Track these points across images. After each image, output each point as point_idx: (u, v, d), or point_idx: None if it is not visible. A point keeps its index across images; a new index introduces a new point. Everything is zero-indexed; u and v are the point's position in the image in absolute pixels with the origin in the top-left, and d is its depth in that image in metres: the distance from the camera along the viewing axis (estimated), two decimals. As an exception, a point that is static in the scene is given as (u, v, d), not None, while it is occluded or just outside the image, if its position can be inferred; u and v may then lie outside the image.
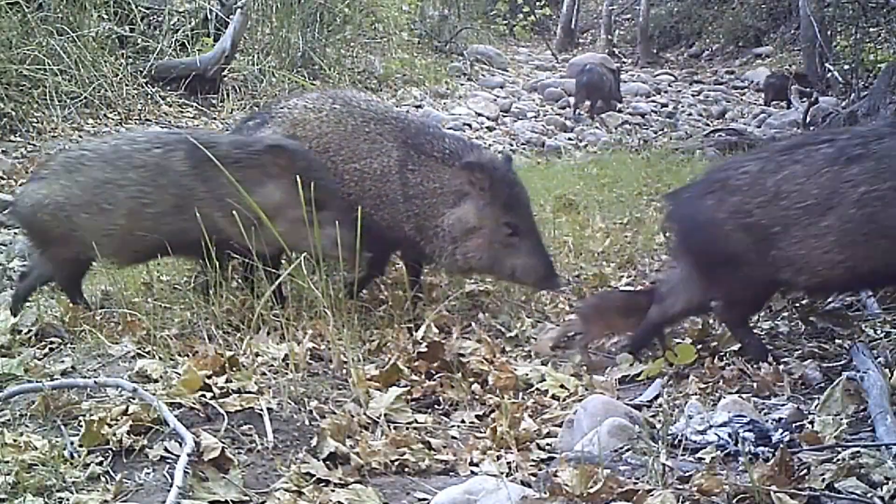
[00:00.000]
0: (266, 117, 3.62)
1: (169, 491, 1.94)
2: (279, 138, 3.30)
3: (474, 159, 3.28)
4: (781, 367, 2.72)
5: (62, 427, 2.26)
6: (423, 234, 3.34)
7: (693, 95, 13.83)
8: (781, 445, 2.07)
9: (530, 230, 3.32)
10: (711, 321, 3.19)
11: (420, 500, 2.12)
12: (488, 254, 3.27)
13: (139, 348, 2.79)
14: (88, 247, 3.16)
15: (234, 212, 3.01)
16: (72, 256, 3.27)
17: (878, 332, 2.94)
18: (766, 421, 2.31)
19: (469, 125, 10.09)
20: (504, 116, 11.16)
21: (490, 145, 9.27)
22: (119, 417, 2.25)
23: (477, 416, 2.65)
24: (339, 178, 3.37)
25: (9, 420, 2.31)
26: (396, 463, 2.26)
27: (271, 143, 3.20)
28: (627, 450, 2.23)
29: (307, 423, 2.38)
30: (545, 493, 1.98)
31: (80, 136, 6.98)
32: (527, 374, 2.89)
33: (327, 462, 2.19)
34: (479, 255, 3.27)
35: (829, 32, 12.55)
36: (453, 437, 2.50)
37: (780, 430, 2.21)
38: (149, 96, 8.10)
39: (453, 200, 3.29)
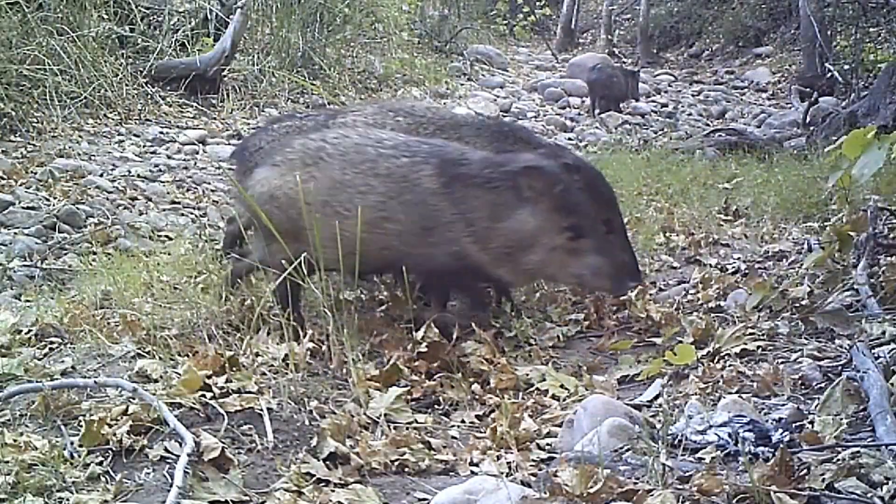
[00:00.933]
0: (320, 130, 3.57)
1: (169, 491, 1.94)
2: (535, 158, 3.08)
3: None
4: (781, 367, 2.72)
5: (62, 427, 2.26)
6: None
7: (693, 95, 13.82)
8: (781, 445, 2.07)
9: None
10: (713, 321, 3.20)
11: (420, 500, 2.12)
12: None
13: (139, 348, 2.79)
14: (314, 248, 2.91)
15: (485, 239, 2.82)
16: (294, 255, 2.89)
17: (878, 331, 2.93)
18: (766, 421, 2.31)
19: (469, 125, 10.08)
20: (504, 116, 11.16)
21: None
22: (119, 417, 2.25)
23: (477, 416, 2.65)
24: None
25: (9, 420, 2.31)
26: (396, 463, 2.26)
27: (527, 164, 2.93)
28: (627, 450, 2.23)
29: (307, 423, 2.38)
30: (545, 493, 1.98)
31: (80, 136, 6.98)
32: (527, 374, 2.89)
33: (327, 462, 2.19)
34: None
35: (829, 32, 12.55)
36: (453, 437, 2.50)
37: (780, 430, 2.20)
38: (149, 96, 8.10)
39: None
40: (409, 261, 2.86)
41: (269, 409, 2.36)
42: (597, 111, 11.44)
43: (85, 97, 7.40)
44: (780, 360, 2.81)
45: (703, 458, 2.13)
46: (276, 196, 2.98)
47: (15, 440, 2.14)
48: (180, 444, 2.13)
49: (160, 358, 2.68)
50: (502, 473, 2.18)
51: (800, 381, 2.64)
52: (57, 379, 2.54)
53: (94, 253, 4.39)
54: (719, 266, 4.14)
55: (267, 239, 3.02)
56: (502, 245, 2.87)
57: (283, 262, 2.85)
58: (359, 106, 3.79)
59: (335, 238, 2.84)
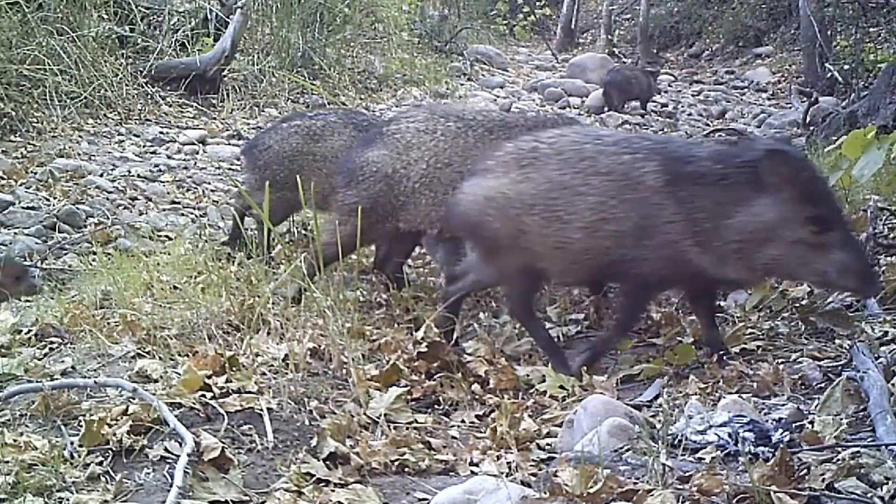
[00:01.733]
0: (374, 137, 3.66)
1: (169, 491, 1.94)
2: (776, 143, 2.89)
3: None
4: (781, 367, 2.72)
5: (62, 427, 2.26)
6: None
7: (693, 95, 13.81)
8: (781, 445, 2.07)
9: None
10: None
11: (420, 500, 2.13)
12: None
13: (139, 348, 2.79)
14: (538, 256, 2.79)
15: (709, 239, 2.64)
16: (522, 266, 2.83)
17: (878, 331, 2.93)
18: (766, 421, 2.31)
19: (469, 125, 10.07)
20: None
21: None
22: (119, 417, 2.25)
23: (477, 416, 2.65)
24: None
25: (9, 420, 2.30)
26: (396, 463, 2.26)
27: (769, 149, 2.67)
28: (627, 450, 2.23)
29: (307, 423, 2.38)
30: (545, 493, 1.98)
31: (80, 136, 6.98)
32: (527, 375, 2.88)
33: (327, 462, 2.20)
34: None
35: (829, 32, 12.53)
36: (453, 437, 2.50)
37: (780, 430, 2.20)
38: (149, 96, 8.09)
39: None
40: (624, 267, 2.72)
41: (269, 409, 2.36)
42: (605, 109, 11.44)
43: (85, 97, 7.39)
44: (780, 360, 2.81)
45: (703, 458, 2.13)
46: (489, 201, 2.83)
47: (15, 440, 2.14)
48: (180, 444, 2.13)
49: (160, 358, 2.67)
50: (502, 473, 2.18)
51: (800, 381, 2.64)
52: (57, 379, 2.53)
53: (94, 253, 4.39)
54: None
55: (488, 254, 2.88)
56: (731, 242, 2.65)
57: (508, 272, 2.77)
58: (410, 112, 3.82)
59: (555, 246, 2.74)
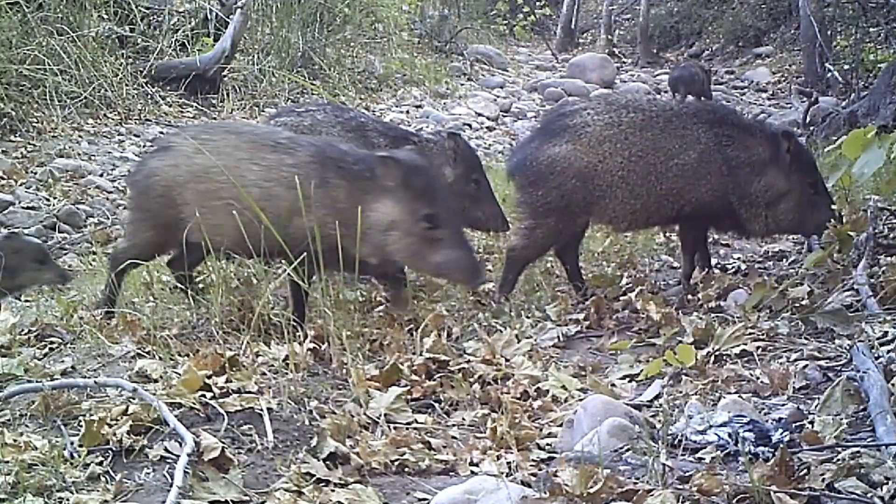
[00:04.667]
0: (554, 130, 3.66)
1: (169, 491, 1.94)
2: None
3: (789, 129, 3.62)
4: (781, 367, 2.72)
5: (62, 427, 2.26)
6: (742, 202, 3.58)
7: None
8: (781, 445, 2.07)
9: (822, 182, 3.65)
10: (713, 321, 3.19)
11: (420, 500, 2.12)
12: (799, 215, 3.58)
13: (139, 348, 2.79)
14: None
15: None
16: None
17: (878, 331, 2.93)
18: (766, 421, 2.31)
19: (469, 125, 10.09)
20: (504, 116, 11.14)
21: (490, 146, 9.27)
22: (119, 417, 2.25)
23: (477, 417, 2.65)
24: (664, 178, 3.54)
25: (9, 420, 2.31)
26: (396, 463, 2.26)
27: None
28: (627, 450, 2.23)
29: (307, 423, 2.38)
30: (545, 493, 1.98)
31: (80, 136, 6.98)
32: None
33: (327, 462, 2.19)
34: (790, 217, 3.60)
35: (829, 32, 12.53)
36: (453, 437, 2.50)
37: (780, 430, 2.21)
38: (149, 96, 8.09)
39: (759, 169, 3.55)
40: None
41: (269, 409, 2.36)
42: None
43: (85, 97, 7.39)
44: (780, 360, 2.81)
45: (703, 458, 2.13)
46: None
47: (15, 440, 2.14)
48: (180, 444, 2.13)
49: (160, 358, 2.67)
50: (502, 473, 2.18)
51: (800, 381, 2.64)
52: (57, 379, 2.54)
53: (94, 253, 4.39)
54: (719, 266, 4.13)
55: None
56: None
57: None
58: (586, 102, 3.78)
59: None
